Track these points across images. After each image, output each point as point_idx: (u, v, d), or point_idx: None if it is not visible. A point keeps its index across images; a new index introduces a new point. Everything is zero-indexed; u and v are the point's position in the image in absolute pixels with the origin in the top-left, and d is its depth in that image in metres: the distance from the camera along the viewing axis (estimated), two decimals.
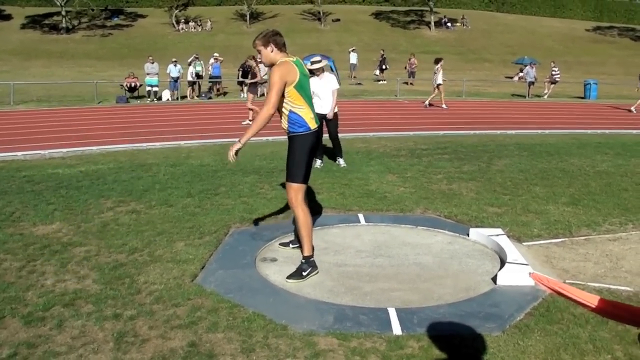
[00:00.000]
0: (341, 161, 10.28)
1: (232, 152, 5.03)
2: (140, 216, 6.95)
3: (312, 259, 5.25)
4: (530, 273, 4.93)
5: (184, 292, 4.76)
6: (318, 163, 10.06)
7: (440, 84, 21.50)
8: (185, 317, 4.30)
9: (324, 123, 9.46)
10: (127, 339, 3.98)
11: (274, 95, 4.98)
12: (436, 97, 21.83)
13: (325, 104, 9.89)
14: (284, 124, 5.23)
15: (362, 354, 3.80)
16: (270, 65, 5.17)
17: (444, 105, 21.26)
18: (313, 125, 5.23)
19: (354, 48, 36.79)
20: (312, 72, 10.00)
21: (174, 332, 4.09)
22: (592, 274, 5.34)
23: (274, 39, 5.14)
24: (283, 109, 5.16)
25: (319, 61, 10.02)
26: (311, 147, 5.26)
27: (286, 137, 5.33)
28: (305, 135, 5.20)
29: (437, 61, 21.85)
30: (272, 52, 5.15)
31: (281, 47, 5.17)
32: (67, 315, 4.32)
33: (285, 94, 5.08)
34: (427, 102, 21.76)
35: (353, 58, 35.58)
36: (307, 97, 5.23)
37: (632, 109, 21.36)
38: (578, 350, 3.84)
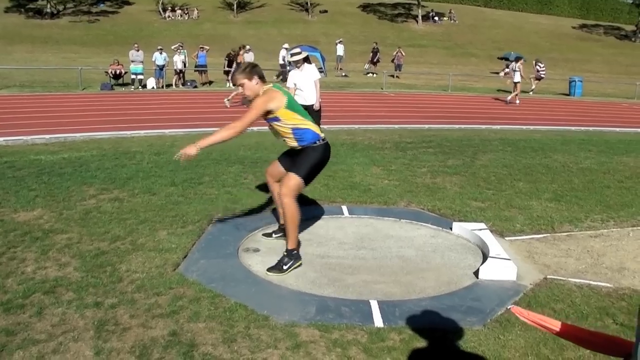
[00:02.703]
0: None
1: (187, 152, 4.81)
2: (123, 204, 6.90)
3: (295, 251, 5.23)
4: (510, 307, 4.93)
5: (166, 281, 4.74)
6: None
7: (518, 82, 22.12)
8: (166, 306, 4.28)
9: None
10: (108, 327, 3.96)
11: (252, 118, 5.02)
12: (514, 94, 22.43)
13: (307, 95, 9.93)
14: (293, 143, 5.28)
15: (344, 346, 3.80)
16: (255, 97, 5.17)
17: (517, 101, 22.00)
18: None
19: (340, 40, 36.72)
20: (292, 64, 10.07)
21: (155, 321, 4.07)
22: (573, 270, 5.39)
23: (256, 70, 5.22)
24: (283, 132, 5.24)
25: (299, 53, 9.97)
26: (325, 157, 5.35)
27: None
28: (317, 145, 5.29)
29: (516, 60, 22.68)
30: (256, 84, 5.18)
31: (262, 77, 5.26)
32: (47, 302, 4.28)
33: (279, 118, 5.14)
34: (517, 101, 22.18)
35: (340, 50, 35.51)
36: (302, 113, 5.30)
37: None
38: (558, 345, 3.87)
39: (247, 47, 25.21)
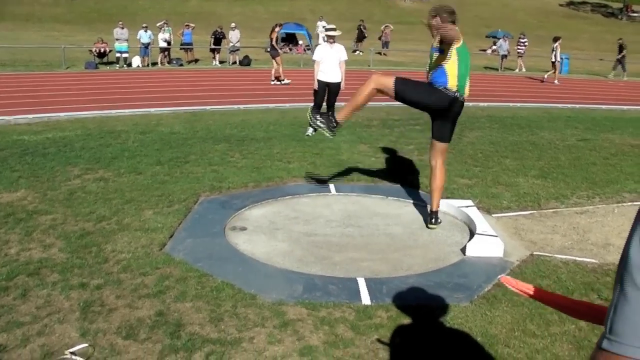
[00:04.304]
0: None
1: None
2: (108, 184, 6.84)
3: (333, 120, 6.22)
4: (500, 277, 4.96)
5: (152, 261, 4.71)
6: (310, 131, 10.13)
7: (557, 61, 22.60)
8: (153, 286, 4.26)
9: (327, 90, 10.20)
10: (94, 308, 3.93)
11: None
12: (551, 73, 22.70)
13: (329, 72, 10.22)
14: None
15: (331, 324, 3.80)
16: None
17: (556, 82, 22.17)
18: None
19: (322, 17, 36.44)
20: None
21: (141, 301, 4.05)
22: (559, 246, 5.42)
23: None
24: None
25: (335, 29, 10.49)
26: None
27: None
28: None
29: (555, 39, 23.15)
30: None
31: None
32: (31, 284, 4.24)
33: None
34: (555, 81, 22.41)
35: None
36: None
37: None
38: (544, 321, 3.90)
39: (233, 24, 24.99)
